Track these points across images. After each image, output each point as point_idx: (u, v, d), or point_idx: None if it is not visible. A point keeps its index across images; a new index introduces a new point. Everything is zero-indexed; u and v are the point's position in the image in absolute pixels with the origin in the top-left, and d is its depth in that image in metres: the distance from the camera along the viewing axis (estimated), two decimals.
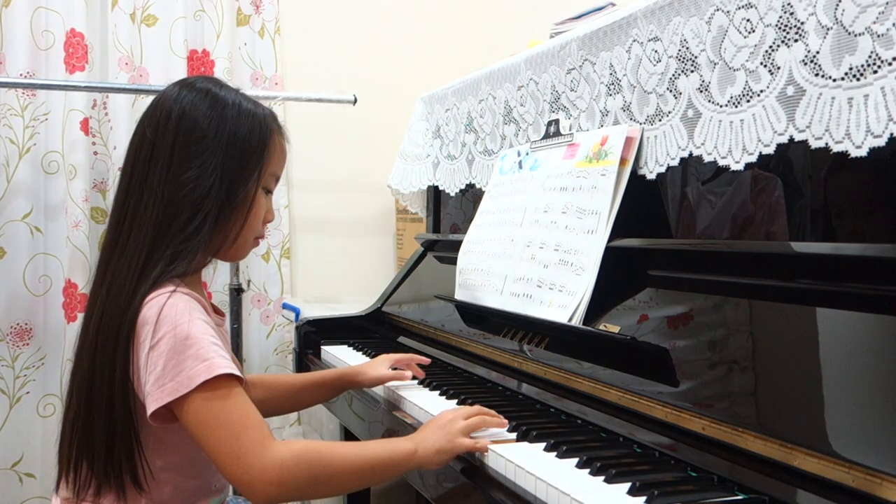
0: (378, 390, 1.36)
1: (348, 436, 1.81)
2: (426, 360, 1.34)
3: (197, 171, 0.96)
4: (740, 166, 1.00)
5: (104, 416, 0.93)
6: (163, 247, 0.95)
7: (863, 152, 0.82)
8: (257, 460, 0.88)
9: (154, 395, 0.90)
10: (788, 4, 0.92)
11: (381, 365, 1.29)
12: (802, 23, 0.90)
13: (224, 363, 0.90)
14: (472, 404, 1.16)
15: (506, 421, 1.03)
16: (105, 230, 1.01)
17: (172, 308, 0.91)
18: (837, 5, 0.85)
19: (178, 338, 0.90)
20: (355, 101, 2.45)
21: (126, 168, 1.00)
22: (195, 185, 0.96)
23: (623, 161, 1.19)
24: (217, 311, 1.09)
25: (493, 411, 1.03)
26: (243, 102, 1.02)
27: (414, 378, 1.33)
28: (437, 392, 1.27)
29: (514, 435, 1.00)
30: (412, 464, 0.96)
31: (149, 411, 0.90)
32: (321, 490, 0.93)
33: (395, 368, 1.32)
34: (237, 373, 0.91)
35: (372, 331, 1.86)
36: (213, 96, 1.00)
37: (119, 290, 0.94)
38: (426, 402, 1.21)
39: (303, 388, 1.28)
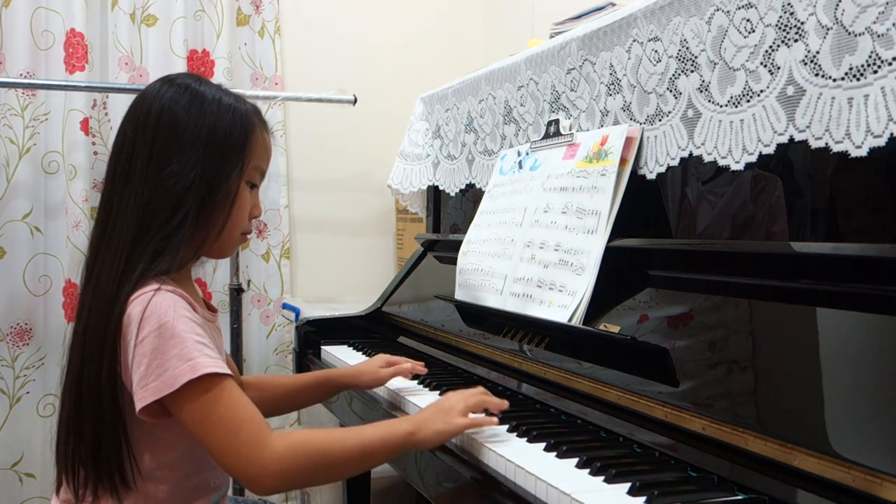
0: (379, 390, 1.36)
1: None
2: (422, 368, 1.31)
3: (178, 166, 0.96)
4: (740, 166, 1.00)
5: (93, 414, 0.93)
6: (144, 244, 0.95)
7: (863, 152, 0.82)
8: (257, 455, 0.89)
9: (139, 393, 0.90)
10: (788, 4, 0.92)
11: (378, 366, 1.27)
12: (802, 23, 0.90)
13: (209, 362, 0.90)
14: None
15: (506, 402, 1.04)
16: (91, 230, 1.01)
17: (157, 306, 0.91)
18: (837, 5, 0.85)
19: (163, 336, 0.90)
20: (355, 101, 2.45)
21: (109, 167, 1.00)
22: (176, 180, 0.96)
23: (623, 161, 1.19)
24: (210, 307, 1.09)
25: (495, 399, 1.05)
26: (224, 98, 1.01)
27: (414, 378, 1.33)
28: (438, 392, 1.27)
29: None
30: (410, 445, 0.97)
31: (136, 409, 0.90)
32: (322, 477, 0.96)
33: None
34: (224, 371, 0.91)
35: (372, 331, 1.86)
36: (193, 91, 1.00)
37: (103, 289, 0.94)
38: (427, 403, 1.20)
39: (298, 389, 1.27)
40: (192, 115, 0.98)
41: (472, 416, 1.00)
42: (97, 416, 0.93)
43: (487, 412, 1.03)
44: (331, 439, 0.94)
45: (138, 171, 0.97)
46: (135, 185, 0.97)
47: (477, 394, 1.03)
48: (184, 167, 0.96)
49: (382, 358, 1.30)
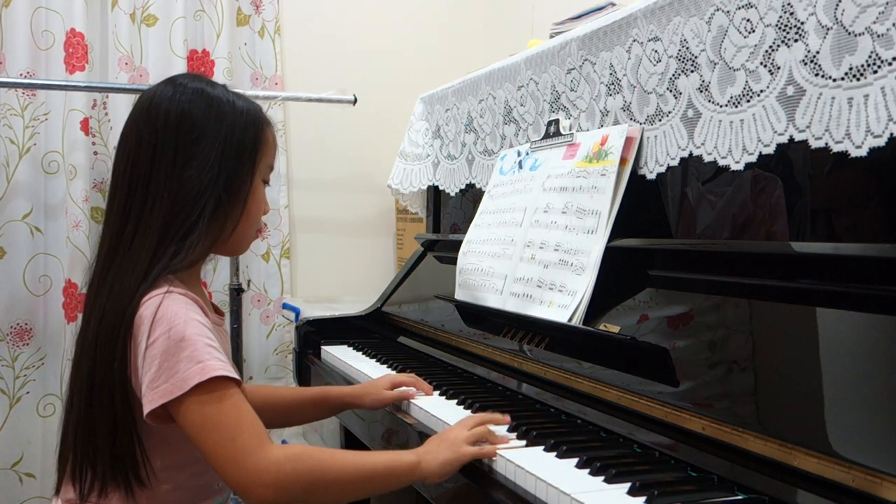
0: None
1: (348, 435, 1.81)
2: (429, 388, 1.28)
3: (198, 168, 0.98)
4: (740, 166, 1.00)
5: (106, 416, 0.94)
6: (167, 245, 0.96)
7: (863, 152, 0.82)
8: (253, 463, 0.88)
9: (148, 396, 0.90)
10: (788, 4, 0.92)
11: (382, 386, 1.26)
12: (802, 23, 0.90)
13: (219, 365, 0.90)
14: (472, 404, 1.17)
15: (508, 418, 1.03)
16: (103, 234, 1.01)
17: (168, 309, 0.92)
18: (837, 5, 0.85)
19: (173, 339, 0.90)
20: (355, 101, 2.45)
21: (124, 171, 1.00)
22: (197, 181, 0.97)
23: (623, 161, 1.19)
24: (217, 310, 1.09)
25: (496, 415, 1.04)
26: (236, 101, 1.03)
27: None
28: (437, 392, 1.27)
29: (523, 442, 0.99)
30: (415, 476, 0.95)
31: (144, 412, 0.90)
32: (318, 496, 0.93)
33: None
34: (233, 375, 0.91)
35: (372, 331, 1.86)
36: (208, 95, 1.01)
37: (121, 291, 0.95)
38: (426, 403, 1.21)
39: (300, 404, 1.26)
40: (210, 119, 1.00)
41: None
42: (109, 416, 0.93)
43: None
44: (332, 457, 0.94)
45: (161, 174, 0.97)
46: (158, 189, 0.97)
47: (479, 421, 1.01)
48: (203, 167, 0.98)
49: (387, 379, 1.28)
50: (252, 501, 0.89)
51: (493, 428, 1.01)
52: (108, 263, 0.98)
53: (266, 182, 1.07)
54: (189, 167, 0.97)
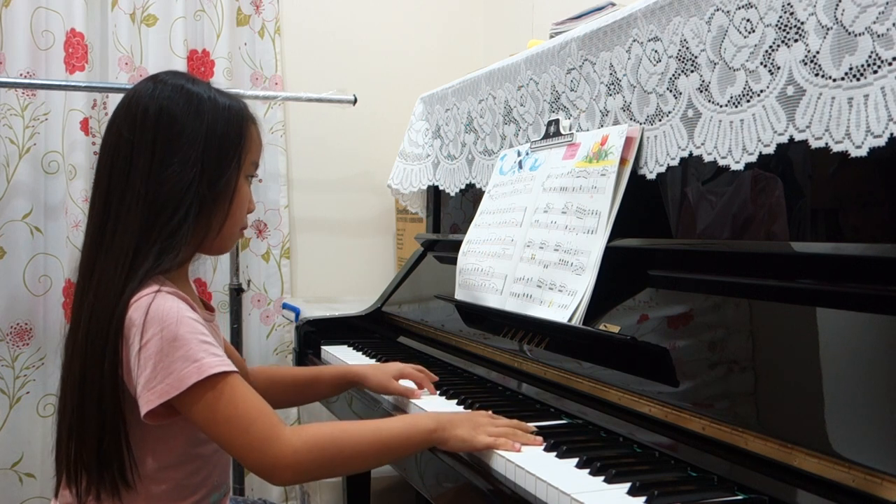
0: None
1: None
2: (435, 378, 1.29)
3: (179, 165, 0.96)
4: (740, 166, 1.00)
5: (95, 416, 0.93)
6: (149, 243, 0.95)
7: (863, 152, 0.82)
8: (270, 448, 0.90)
9: (144, 396, 0.90)
10: (788, 4, 0.92)
11: (390, 374, 1.25)
12: (802, 23, 0.90)
13: (215, 361, 0.91)
14: (472, 404, 1.17)
15: (539, 439, 0.98)
16: (86, 232, 1.00)
17: (159, 308, 0.91)
18: (837, 5, 0.85)
19: (166, 339, 0.90)
20: (355, 101, 2.45)
21: (103, 169, 0.99)
22: (178, 178, 0.96)
23: (623, 161, 1.19)
24: (207, 307, 1.09)
25: (530, 426, 1.01)
26: (218, 97, 1.02)
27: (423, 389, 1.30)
28: (437, 392, 1.27)
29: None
30: (431, 441, 0.98)
31: (142, 412, 0.90)
32: (338, 469, 0.98)
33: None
34: (230, 368, 0.92)
35: (372, 331, 1.86)
36: (188, 92, 1.00)
37: (107, 291, 0.94)
38: (426, 403, 1.21)
39: (306, 382, 1.28)
40: (190, 116, 0.98)
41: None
42: (99, 418, 0.93)
43: None
44: (346, 433, 0.96)
45: (139, 171, 0.96)
46: (135, 186, 0.96)
47: (511, 425, 1.00)
48: (184, 165, 0.96)
49: (396, 367, 1.27)
50: (278, 483, 0.93)
51: None
52: (91, 262, 0.98)
53: (251, 177, 1.05)
54: (169, 165, 0.96)
